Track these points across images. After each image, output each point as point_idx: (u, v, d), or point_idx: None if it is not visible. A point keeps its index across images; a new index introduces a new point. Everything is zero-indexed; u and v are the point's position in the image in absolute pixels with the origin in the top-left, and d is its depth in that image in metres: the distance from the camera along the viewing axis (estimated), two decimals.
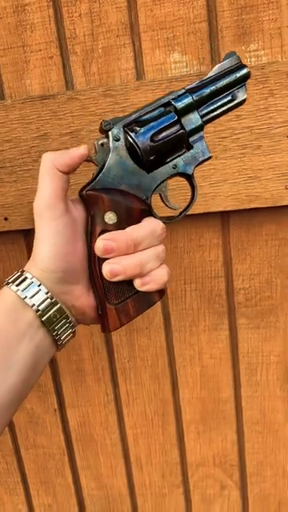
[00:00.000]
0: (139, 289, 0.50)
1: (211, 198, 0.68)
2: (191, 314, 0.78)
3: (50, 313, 0.48)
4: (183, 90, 0.52)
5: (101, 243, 0.49)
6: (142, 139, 0.50)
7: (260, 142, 0.65)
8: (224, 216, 0.72)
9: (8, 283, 0.49)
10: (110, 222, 0.50)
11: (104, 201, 0.50)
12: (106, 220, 0.50)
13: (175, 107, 0.51)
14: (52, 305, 0.48)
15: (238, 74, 0.52)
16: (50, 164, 0.49)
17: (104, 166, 0.50)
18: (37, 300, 0.48)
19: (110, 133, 0.50)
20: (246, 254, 0.74)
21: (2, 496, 0.96)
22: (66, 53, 0.68)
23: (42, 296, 0.48)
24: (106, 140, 0.51)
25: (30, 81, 0.70)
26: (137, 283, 0.50)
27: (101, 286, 0.51)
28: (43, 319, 0.48)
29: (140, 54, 0.67)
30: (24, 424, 0.89)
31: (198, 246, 0.74)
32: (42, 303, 0.48)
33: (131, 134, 0.50)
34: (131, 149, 0.50)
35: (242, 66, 0.52)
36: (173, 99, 0.51)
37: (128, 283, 0.51)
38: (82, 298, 0.51)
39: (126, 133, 0.50)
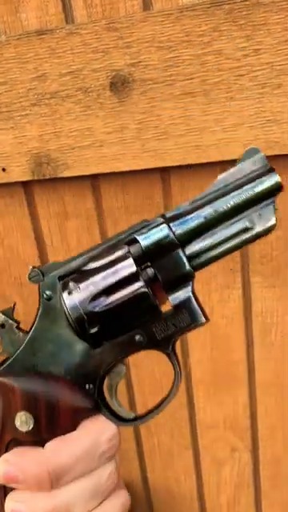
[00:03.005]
0: None
1: (225, 145, 0.62)
2: (202, 271, 0.73)
3: None
4: (160, 220, 0.33)
5: (1, 468, 0.33)
6: (78, 303, 0.33)
7: (281, 79, 0.58)
8: None
9: None
10: (23, 430, 0.32)
11: (16, 394, 0.33)
12: (17, 425, 0.32)
13: (141, 247, 0.33)
14: None
15: (261, 188, 0.32)
16: None
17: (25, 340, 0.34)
18: None
19: (39, 286, 0.34)
20: None
21: None
22: None
23: None
24: (4, 317, 0.35)
25: (26, 14, 0.63)
26: None
27: None
28: None
29: None
30: None
31: None
32: None
33: (63, 295, 0.33)
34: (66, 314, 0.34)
35: (268, 172, 0.32)
36: (140, 234, 0.33)
37: None
38: None
39: (59, 290, 0.34)
